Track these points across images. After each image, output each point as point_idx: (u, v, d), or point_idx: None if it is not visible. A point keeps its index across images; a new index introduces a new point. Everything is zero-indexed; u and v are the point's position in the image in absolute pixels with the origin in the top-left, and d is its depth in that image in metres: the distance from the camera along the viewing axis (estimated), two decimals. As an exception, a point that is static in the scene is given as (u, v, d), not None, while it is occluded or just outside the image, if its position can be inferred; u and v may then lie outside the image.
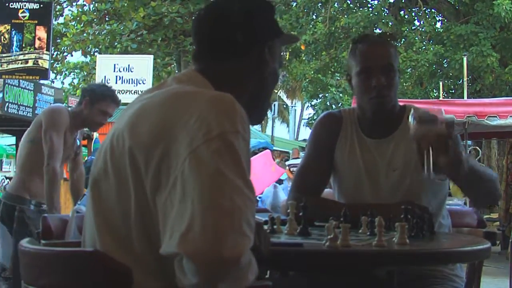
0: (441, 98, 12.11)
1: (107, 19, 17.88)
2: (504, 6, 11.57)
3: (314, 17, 15.26)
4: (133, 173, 1.31)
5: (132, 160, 1.31)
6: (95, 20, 17.54)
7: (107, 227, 1.36)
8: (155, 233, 1.26)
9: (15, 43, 10.02)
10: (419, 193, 2.12)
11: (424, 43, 13.87)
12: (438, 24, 15.22)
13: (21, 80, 11.03)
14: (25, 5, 10.09)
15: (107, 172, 1.37)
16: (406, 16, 15.52)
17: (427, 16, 14.47)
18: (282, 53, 1.69)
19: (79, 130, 3.93)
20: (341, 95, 24.56)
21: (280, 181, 8.53)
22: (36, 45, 10.06)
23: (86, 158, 7.22)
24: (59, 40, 17.12)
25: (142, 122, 1.34)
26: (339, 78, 18.19)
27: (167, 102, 1.37)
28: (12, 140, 15.27)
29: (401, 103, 2.26)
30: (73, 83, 19.97)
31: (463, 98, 10.74)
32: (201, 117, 1.27)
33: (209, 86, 1.46)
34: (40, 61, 10.05)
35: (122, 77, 11.42)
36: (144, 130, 1.32)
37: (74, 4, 18.36)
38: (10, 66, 10.03)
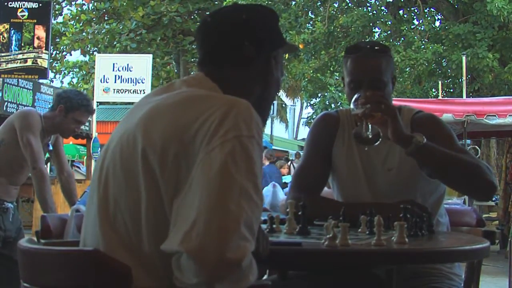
0: (440, 97, 12.09)
1: (106, 18, 17.90)
2: (496, 4, 11.52)
3: (313, 16, 15.24)
4: (146, 174, 1.31)
5: (144, 160, 1.32)
6: (94, 19, 17.55)
7: (112, 225, 1.36)
8: (167, 234, 1.26)
9: (14, 42, 10.02)
10: (415, 192, 2.13)
11: (423, 42, 13.85)
12: (437, 23, 15.20)
13: (20, 79, 11.01)
14: (24, 4, 10.09)
15: (116, 171, 1.37)
16: (405, 15, 15.50)
17: (426, 15, 14.45)
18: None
19: (52, 135, 3.86)
20: (340, 94, 24.53)
21: (285, 185, 8.51)
22: (35, 44, 10.06)
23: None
24: (58, 39, 17.12)
25: (155, 124, 1.35)
26: (338, 78, 18.16)
27: (182, 104, 1.37)
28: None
29: (397, 103, 2.25)
30: (72, 83, 19.94)
31: (462, 97, 10.73)
32: (218, 120, 1.29)
33: (218, 90, 1.47)
34: (39, 60, 10.04)
35: (121, 76, 11.41)
36: (158, 132, 1.33)
37: (73, 3, 18.37)
38: (9, 66, 10.03)
